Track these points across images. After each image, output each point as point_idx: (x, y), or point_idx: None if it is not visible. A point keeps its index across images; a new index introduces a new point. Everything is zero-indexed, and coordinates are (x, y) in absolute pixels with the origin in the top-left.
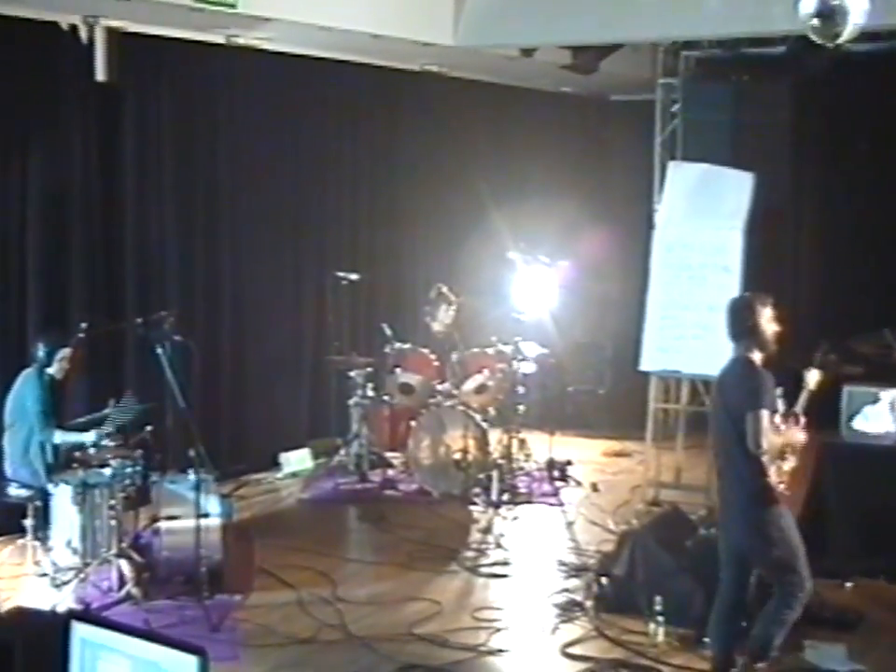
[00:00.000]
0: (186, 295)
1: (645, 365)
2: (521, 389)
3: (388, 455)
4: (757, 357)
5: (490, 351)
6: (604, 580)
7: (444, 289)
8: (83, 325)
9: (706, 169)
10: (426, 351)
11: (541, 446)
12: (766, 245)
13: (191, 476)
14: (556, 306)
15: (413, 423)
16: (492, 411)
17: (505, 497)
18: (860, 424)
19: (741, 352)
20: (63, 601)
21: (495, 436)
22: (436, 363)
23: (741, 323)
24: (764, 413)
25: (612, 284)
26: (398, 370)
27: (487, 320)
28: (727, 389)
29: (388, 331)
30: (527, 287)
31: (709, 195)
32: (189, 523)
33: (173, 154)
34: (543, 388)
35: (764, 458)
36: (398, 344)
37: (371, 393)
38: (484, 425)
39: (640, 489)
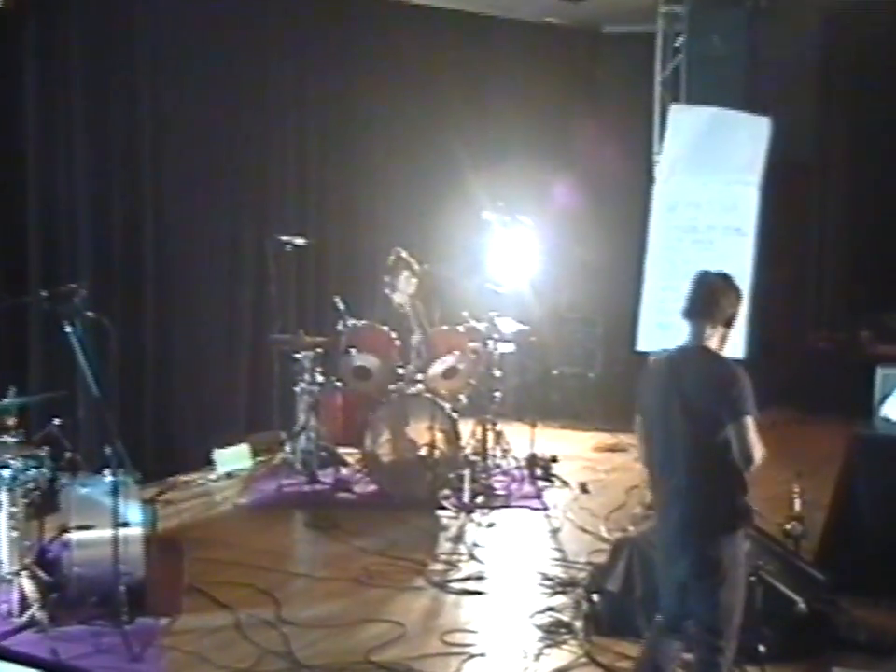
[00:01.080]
0: (101, 264)
1: (642, 344)
2: (497, 373)
3: (342, 451)
4: (714, 344)
5: (461, 328)
6: (595, 596)
7: (404, 254)
8: None
9: (715, 113)
10: (385, 329)
11: (522, 440)
12: (786, 203)
13: (108, 478)
14: (539, 276)
15: (370, 413)
16: (463, 398)
17: (479, 499)
18: (892, 409)
19: (701, 338)
20: None
21: (467, 428)
22: (397, 343)
23: (709, 299)
24: (750, 421)
25: (605, 249)
26: (352, 351)
27: (458, 292)
28: (690, 387)
29: (341, 306)
30: (505, 253)
31: (719, 144)
32: (106, 533)
33: (84, 94)
34: (523, 372)
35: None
36: (352, 321)
37: (320, 378)
38: (454, 415)
39: (638, 490)
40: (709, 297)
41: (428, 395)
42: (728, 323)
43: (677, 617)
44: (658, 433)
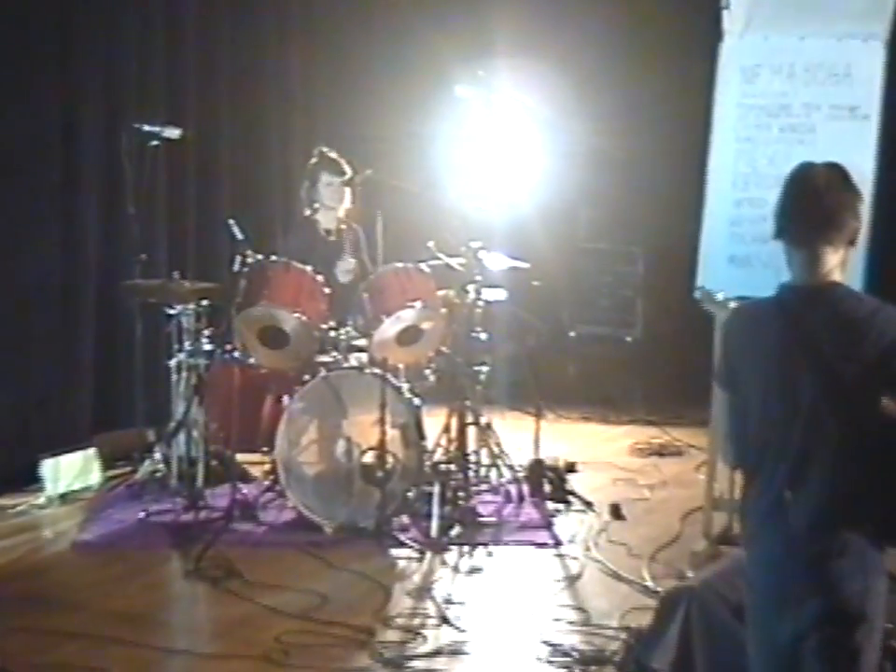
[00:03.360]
0: None
1: (709, 286)
2: (482, 335)
3: (241, 458)
4: (837, 276)
5: (424, 267)
6: None
7: (333, 154)
8: None
9: None
10: (307, 270)
11: (521, 439)
12: None
13: None
14: (544, 186)
15: (286, 400)
16: (430, 376)
17: (455, 531)
18: None
19: (821, 268)
20: None
21: (436, 422)
22: (326, 291)
23: (827, 209)
24: None
25: (645, 142)
26: (260, 305)
27: (418, 212)
28: (827, 343)
29: (239, 234)
30: (491, 151)
31: None
32: None
33: None
34: (523, 334)
35: None
36: (256, 258)
37: (207, 347)
38: (417, 401)
39: (699, 515)
40: (826, 206)
41: (376, 370)
42: (852, 241)
43: None
44: (768, 414)
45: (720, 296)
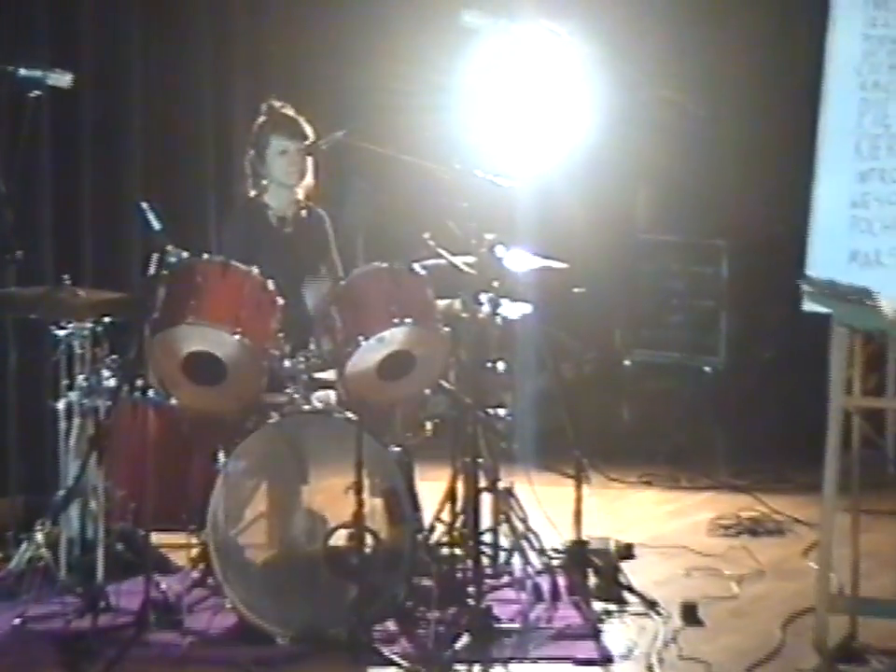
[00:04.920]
0: None
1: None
2: (499, 364)
3: (159, 538)
4: None
5: (418, 269)
6: None
7: (288, 110)
8: None
9: None
10: (252, 272)
11: (556, 510)
12: None
13: None
14: (588, 154)
15: (221, 456)
16: (426, 421)
17: (463, 642)
18: None
19: None
20: None
21: (435, 487)
22: (279, 301)
23: None
24: None
25: (731, 97)
26: (186, 322)
27: (410, 191)
28: None
29: (155, 223)
30: (509, 103)
31: None
32: None
33: None
34: (556, 362)
35: None
36: (182, 255)
37: (110, 381)
38: (406, 458)
39: (809, 620)
40: None
41: (350, 415)
42: None
43: None
44: None
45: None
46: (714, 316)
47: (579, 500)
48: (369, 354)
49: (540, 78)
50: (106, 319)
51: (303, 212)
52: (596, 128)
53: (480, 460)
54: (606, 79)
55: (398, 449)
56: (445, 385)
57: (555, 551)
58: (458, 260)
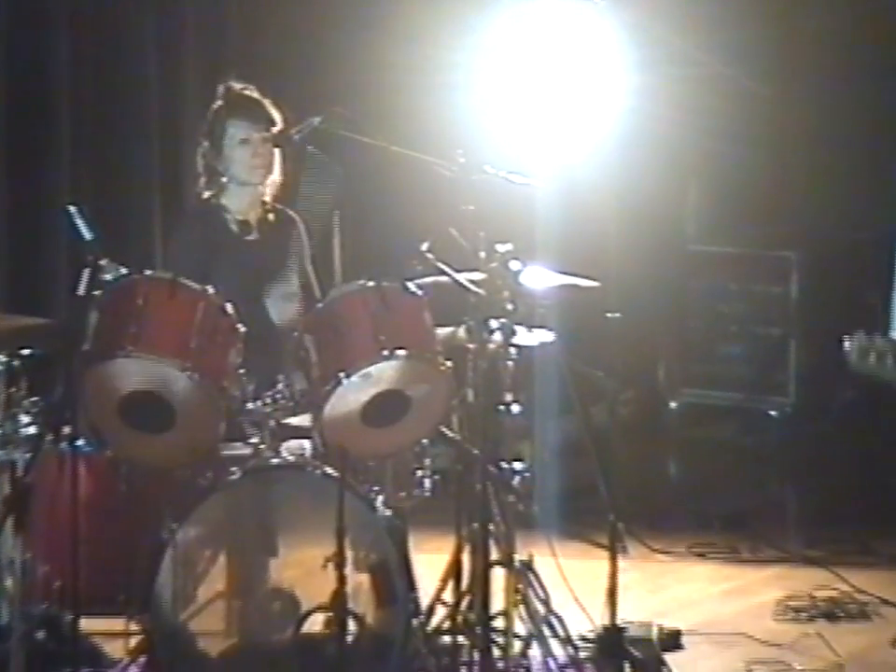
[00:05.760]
0: None
1: None
2: (514, 406)
3: (91, 624)
4: None
5: (413, 288)
6: None
7: (250, 92)
8: None
9: None
10: (209, 291)
11: (585, 588)
12: None
13: None
14: (624, 145)
15: (167, 523)
16: (424, 478)
17: None
18: None
19: None
20: None
21: (435, 560)
22: (241, 328)
23: None
24: None
25: (806, 79)
26: (124, 354)
27: (404, 192)
28: None
29: (86, 231)
30: (527, 82)
31: None
32: None
33: None
34: (585, 404)
35: None
36: (121, 271)
37: (29, 428)
38: (398, 523)
39: None
40: None
41: (328, 469)
42: None
43: None
44: None
45: None
46: (782, 347)
47: (613, 576)
48: (352, 394)
49: (566, 54)
50: (25, 351)
51: (270, 216)
52: (635, 113)
53: (491, 527)
54: (646, 54)
55: (388, 513)
56: (447, 432)
57: (584, 639)
58: (463, 278)
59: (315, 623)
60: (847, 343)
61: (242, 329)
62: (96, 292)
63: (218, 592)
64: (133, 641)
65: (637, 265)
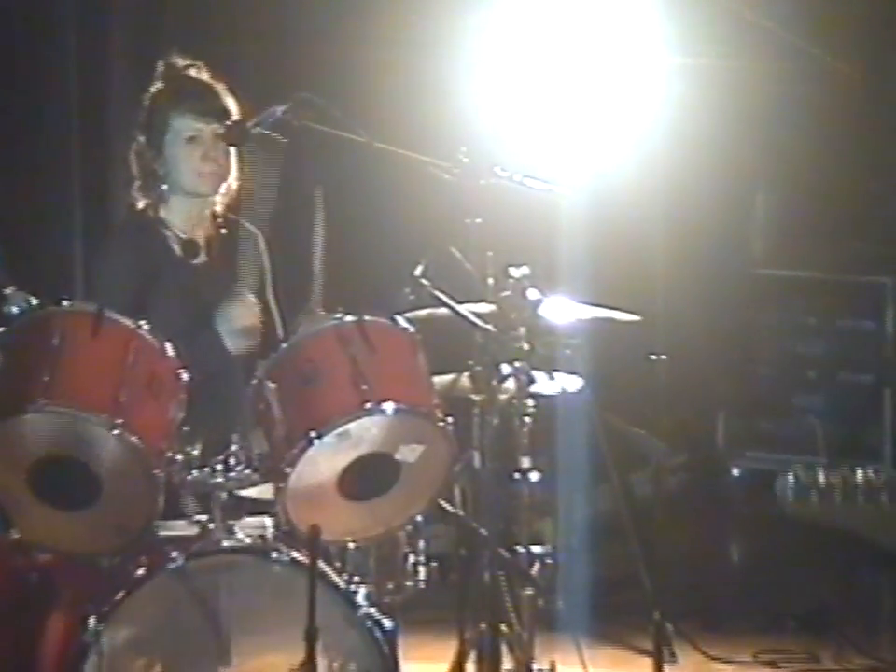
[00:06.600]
0: None
1: None
2: (532, 474)
3: None
4: None
5: (403, 323)
6: None
7: (198, 73)
8: None
9: None
10: (142, 326)
11: None
12: None
13: None
14: (672, 147)
15: (92, 621)
16: (419, 566)
17: None
18: None
19: None
20: None
21: (429, 671)
22: (183, 374)
23: None
24: None
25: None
26: (35, 406)
27: (395, 203)
28: None
29: None
30: (548, 70)
31: None
32: None
33: None
34: (623, 470)
35: None
36: (31, 301)
37: None
38: (388, 623)
39: None
40: None
41: (295, 555)
42: None
43: None
44: None
45: None
46: (875, 398)
47: None
48: (325, 458)
49: (599, 30)
50: None
51: (223, 231)
52: (685, 106)
53: (502, 628)
54: (699, 31)
55: (372, 609)
56: (447, 507)
57: None
58: (467, 310)
59: None
60: None
61: (185, 375)
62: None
63: None
64: None
65: (690, 295)
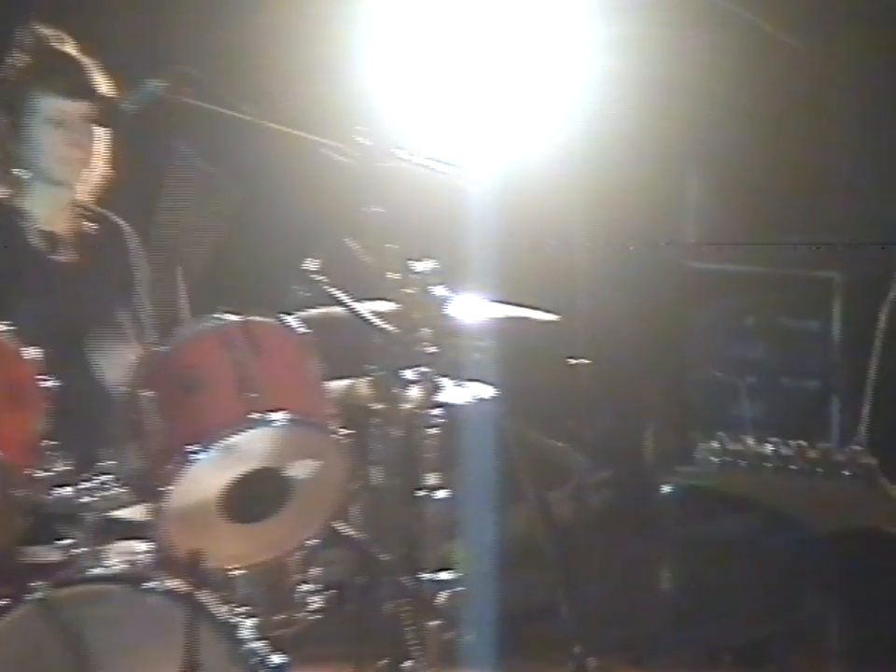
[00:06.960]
0: None
1: None
2: (439, 493)
3: None
4: None
5: (293, 323)
6: None
7: (61, 44)
8: None
9: None
10: (1, 329)
11: None
12: None
13: None
14: (592, 121)
15: None
16: (311, 594)
17: None
18: None
19: None
20: None
21: None
22: (45, 382)
23: None
24: None
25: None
26: None
27: (284, 188)
28: None
29: None
30: (459, 42)
31: None
32: None
33: None
34: (540, 489)
35: None
36: None
37: None
38: (277, 659)
39: None
40: None
41: (171, 585)
42: None
43: None
44: None
45: None
46: (821, 405)
47: None
48: (208, 475)
49: (516, 2)
50: None
51: (90, 224)
52: (607, 79)
53: (406, 663)
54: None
55: (260, 644)
56: (344, 530)
57: None
58: (366, 309)
59: None
60: None
61: (49, 383)
62: None
63: None
64: None
65: (614, 292)
